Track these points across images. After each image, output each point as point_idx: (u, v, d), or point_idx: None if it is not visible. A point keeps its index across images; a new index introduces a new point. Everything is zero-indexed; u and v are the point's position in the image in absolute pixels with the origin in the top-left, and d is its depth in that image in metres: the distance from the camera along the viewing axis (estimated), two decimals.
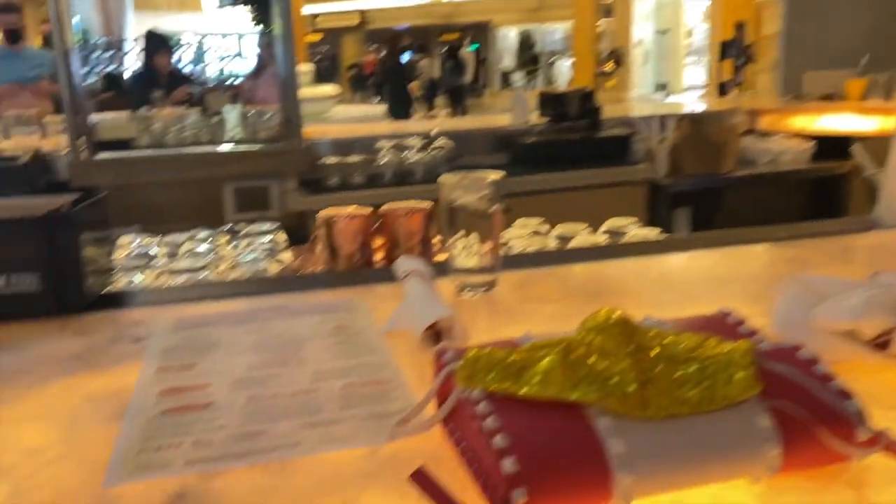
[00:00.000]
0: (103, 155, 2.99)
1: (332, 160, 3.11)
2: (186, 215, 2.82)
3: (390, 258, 1.30)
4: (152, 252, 1.39)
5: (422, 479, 0.51)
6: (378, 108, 5.94)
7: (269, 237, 1.49)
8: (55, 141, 3.23)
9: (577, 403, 0.54)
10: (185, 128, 3.66)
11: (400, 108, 5.05)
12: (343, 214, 1.25)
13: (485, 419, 0.54)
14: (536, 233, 1.61)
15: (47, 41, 5.42)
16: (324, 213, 1.26)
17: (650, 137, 3.74)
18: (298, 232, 1.88)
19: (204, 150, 3.43)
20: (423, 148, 3.25)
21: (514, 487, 0.49)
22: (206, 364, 0.86)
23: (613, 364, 0.55)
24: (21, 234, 1.00)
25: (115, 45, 9.17)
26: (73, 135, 2.79)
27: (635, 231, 1.66)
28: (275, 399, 0.76)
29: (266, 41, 4.42)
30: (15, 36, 4.65)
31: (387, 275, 1.06)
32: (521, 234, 1.56)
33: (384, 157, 3.17)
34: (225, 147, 3.44)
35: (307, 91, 4.43)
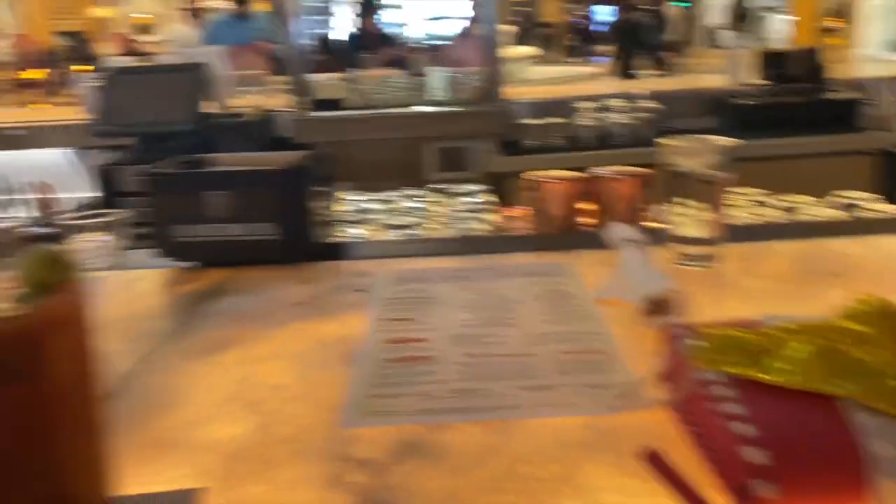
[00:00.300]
0: (319, 114, 3.18)
1: (531, 121, 3.10)
2: (390, 173, 2.95)
3: (599, 223, 1.27)
4: (367, 206, 1.46)
5: (658, 462, 0.49)
6: (575, 68, 5.79)
7: (475, 197, 1.52)
8: (275, 100, 3.48)
9: (831, 396, 0.49)
10: (391, 89, 3.80)
11: (627, 67, 4.89)
12: (552, 177, 1.23)
13: (725, 403, 0.51)
14: (758, 203, 1.51)
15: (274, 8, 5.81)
16: (531, 175, 1.25)
17: (883, 102, 3.35)
18: (496, 193, 1.90)
19: (408, 111, 3.56)
20: (628, 109, 3.14)
21: (759, 478, 0.46)
22: (424, 318, 0.89)
23: (878, 356, 0.50)
24: (262, 186, 1.08)
25: (327, 9, 9.70)
26: (297, 94, 2.99)
27: (870, 205, 1.50)
28: (490, 358, 0.77)
29: (474, 3, 4.45)
30: (243, 2, 5.04)
31: (595, 240, 1.04)
32: (742, 204, 1.46)
33: (583, 119, 3.10)
34: (427, 108, 3.54)
35: (507, 52, 4.42)
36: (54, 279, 0.47)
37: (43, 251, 0.48)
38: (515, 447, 0.62)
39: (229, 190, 1.08)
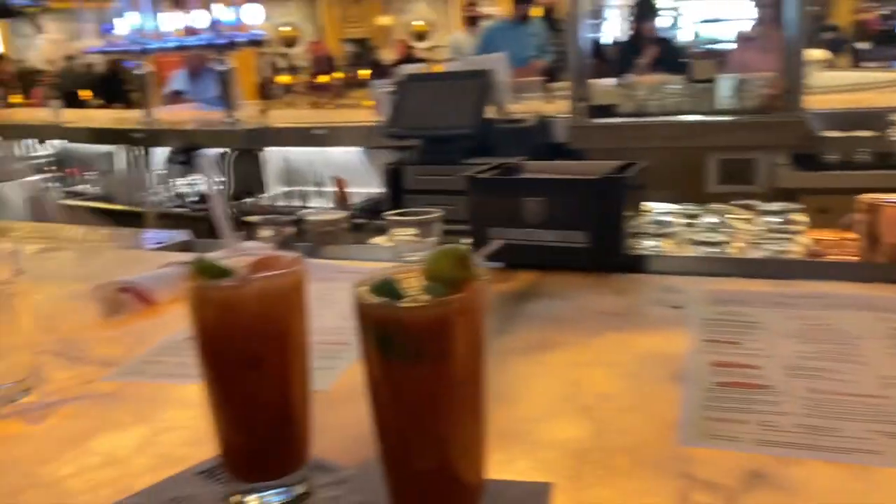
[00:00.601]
0: (596, 120, 3.18)
1: (832, 133, 2.83)
2: (666, 184, 2.87)
3: None
4: (667, 219, 1.43)
5: None
6: (876, 74, 5.19)
7: (784, 216, 1.42)
8: (553, 105, 3.54)
9: None
10: (668, 95, 3.69)
11: None
12: (893, 200, 1.12)
13: None
14: None
15: (547, 14, 5.93)
16: (866, 198, 1.15)
17: None
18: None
19: (687, 119, 3.43)
20: None
21: None
22: (751, 343, 0.85)
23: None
24: (576, 194, 1.11)
25: (600, 14, 9.68)
26: (575, 100, 3.02)
27: None
28: (839, 397, 0.72)
29: (758, 4, 4.17)
30: (524, 6, 5.19)
31: None
32: None
33: None
34: (710, 116, 3.39)
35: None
36: (459, 275, 0.52)
37: (450, 250, 0.53)
38: (881, 497, 0.58)
39: (545, 196, 1.12)
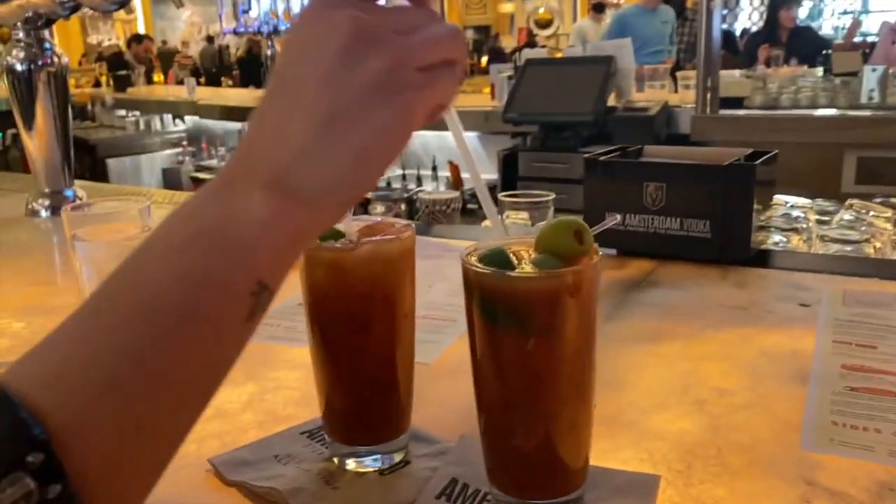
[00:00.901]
0: (724, 112, 3.04)
1: None
2: (796, 181, 2.70)
3: None
4: (797, 214, 1.34)
5: None
6: None
7: None
8: (678, 95, 3.41)
9: None
10: (803, 88, 3.48)
11: None
12: None
13: None
14: None
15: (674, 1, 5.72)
16: None
17: None
18: None
19: (822, 114, 3.22)
20: None
21: None
22: (889, 348, 0.78)
23: None
24: (701, 182, 1.06)
25: (733, 1, 9.25)
26: (702, 91, 2.90)
27: None
28: None
29: None
30: None
31: None
32: None
33: None
34: (848, 111, 3.17)
35: None
36: (572, 248, 0.50)
37: (565, 222, 0.51)
38: None
39: (667, 182, 1.07)
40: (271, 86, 0.39)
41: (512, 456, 0.52)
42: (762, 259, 1.10)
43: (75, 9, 1.45)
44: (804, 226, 1.28)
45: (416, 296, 0.61)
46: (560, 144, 3.29)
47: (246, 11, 4.54)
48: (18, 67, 1.50)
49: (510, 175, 3.46)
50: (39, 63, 1.50)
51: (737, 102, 3.42)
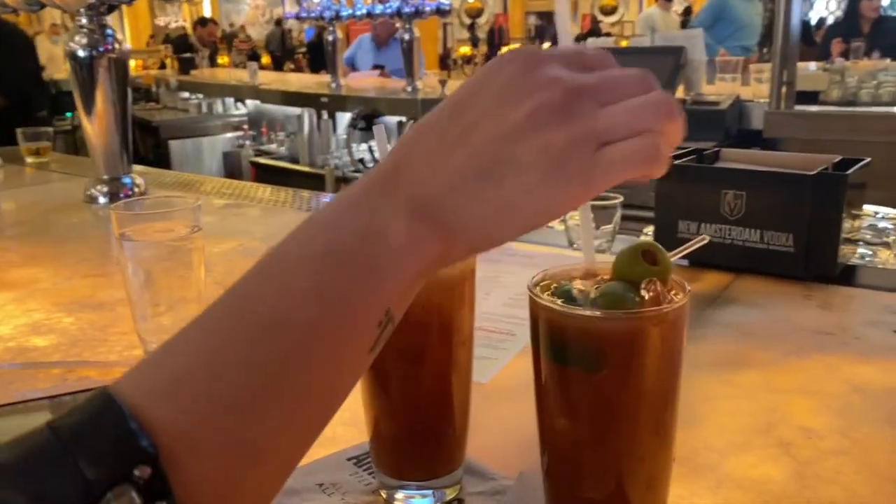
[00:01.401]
0: (799, 107, 2.89)
1: None
2: (879, 184, 2.55)
3: None
4: (885, 226, 1.24)
5: None
6: None
7: None
8: (752, 89, 3.26)
9: None
10: (884, 83, 3.29)
11: None
12: None
13: None
14: None
15: None
16: None
17: None
18: None
19: None
20: None
21: None
22: None
23: None
24: (785, 191, 0.98)
25: None
26: (777, 84, 2.76)
27: None
28: None
29: None
30: None
31: None
32: None
33: None
34: None
35: None
36: (647, 272, 0.44)
37: (640, 245, 0.46)
38: None
39: (747, 190, 0.99)
40: (443, 113, 0.38)
41: None
42: (849, 276, 1.01)
43: None
44: (894, 238, 1.18)
45: (473, 317, 0.56)
46: None
47: None
48: (80, 53, 1.49)
49: None
50: (101, 49, 1.50)
51: (811, 97, 3.25)
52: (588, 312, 0.42)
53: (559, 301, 0.43)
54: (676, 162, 1.06)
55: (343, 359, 0.36)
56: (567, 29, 0.44)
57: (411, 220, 0.36)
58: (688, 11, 11.40)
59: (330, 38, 4.63)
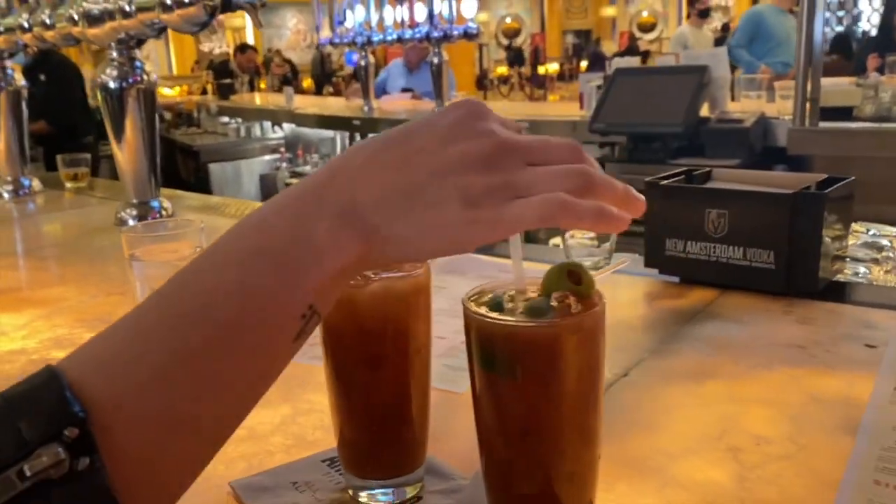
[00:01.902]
0: (824, 124, 2.88)
1: None
2: None
3: None
4: (883, 243, 1.26)
5: None
6: None
7: None
8: (778, 106, 3.26)
9: None
10: None
11: None
12: None
13: None
14: None
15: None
16: None
17: None
18: None
19: None
20: None
21: None
22: None
23: None
24: (765, 210, 1.01)
25: (849, 3, 8.73)
26: (800, 101, 2.76)
27: None
28: None
29: None
30: None
31: None
32: None
33: None
34: None
35: None
36: (571, 290, 0.49)
37: (566, 265, 0.50)
38: None
39: (729, 209, 1.03)
40: (388, 138, 0.43)
41: (512, 501, 0.51)
42: (835, 292, 1.03)
43: (162, 30, 1.53)
44: (890, 255, 1.20)
45: (430, 326, 0.60)
46: (648, 156, 3.21)
47: (341, 23, 4.65)
48: (111, 85, 1.59)
49: None
50: (130, 81, 1.59)
51: (845, 113, 3.23)
52: (510, 320, 0.47)
53: (487, 311, 0.48)
54: (663, 182, 1.10)
55: (266, 348, 0.41)
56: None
57: (337, 222, 0.40)
58: (725, 28, 11.33)
59: (363, 62, 4.75)
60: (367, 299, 0.56)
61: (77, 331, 1.03)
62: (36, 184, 2.25)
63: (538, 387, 0.47)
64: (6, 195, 2.18)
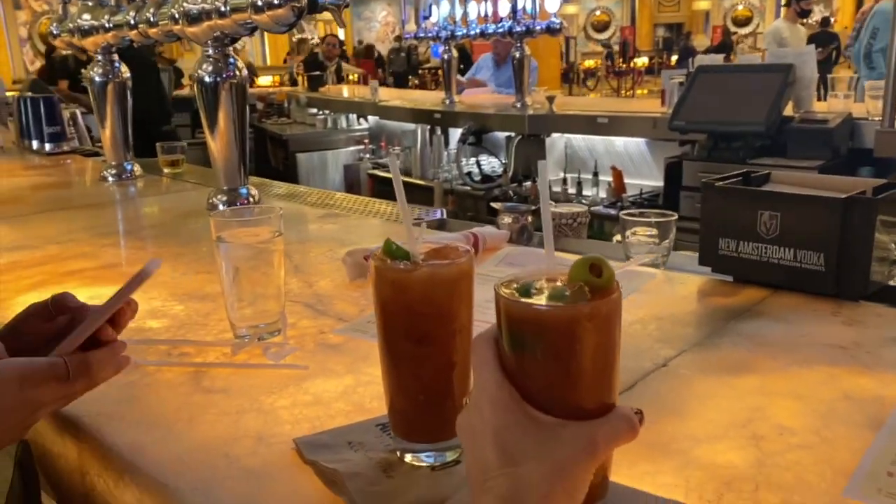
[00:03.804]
0: None
1: None
2: None
3: None
4: None
5: None
6: None
7: None
8: (867, 106, 3.16)
9: None
10: None
11: None
12: None
13: None
14: None
15: None
16: None
17: None
18: None
19: None
20: None
21: None
22: None
23: None
24: (816, 213, 1.03)
25: None
26: (889, 101, 2.68)
27: None
28: None
29: None
30: None
31: None
32: None
33: None
34: None
35: None
36: (592, 282, 0.54)
37: (589, 259, 0.56)
38: None
39: (781, 211, 1.05)
40: None
41: None
42: (887, 296, 1.05)
43: (254, 29, 1.64)
44: None
45: (471, 309, 0.67)
46: (728, 155, 3.17)
47: (427, 17, 4.75)
48: (207, 79, 1.72)
49: (674, 184, 3.38)
50: (224, 76, 1.72)
51: None
52: (532, 302, 0.53)
53: (515, 294, 0.54)
54: (719, 184, 1.13)
55: None
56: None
57: None
58: (825, 22, 10.86)
59: (446, 56, 4.84)
60: (415, 283, 0.63)
61: (169, 303, 1.15)
62: (137, 169, 2.42)
63: (556, 364, 0.53)
64: (111, 179, 2.36)
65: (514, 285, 0.57)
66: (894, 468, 0.64)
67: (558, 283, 0.56)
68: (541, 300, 0.54)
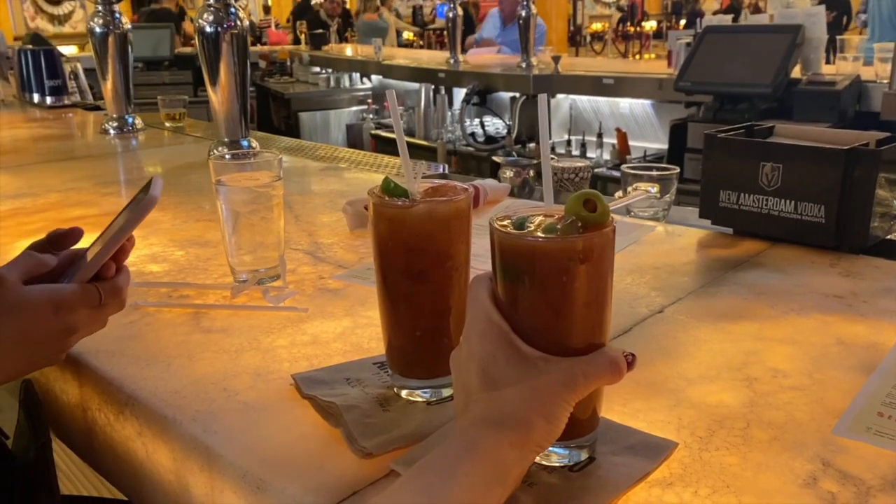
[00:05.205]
0: None
1: None
2: None
3: None
4: None
5: None
6: None
7: None
8: (876, 68, 3.13)
9: None
10: None
11: None
12: None
13: None
14: None
15: None
16: None
17: None
18: None
19: None
20: None
21: None
22: None
23: None
24: (818, 165, 1.02)
25: None
26: None
27: None
28: None
29: None
30: None
31: None
32: None
33: None
34: None
35: None
36: (585, 217, 0.54)
37: (584, 194, 0.56)
38: None
39: (782, 163, 1.05)
40: None
41: None
42: (885, 249, 1.05)
43: None
44: None
45: (469, 247, 0.67)
46: (734, 117, 3.14)
47: None
48: (208, 29, 1.70)
49: (678, 146, 3.36)
50: (225, 26, 1.70)
51: None
52: (523, 234, 0.53)
53: (509, 227, 0.55)
54: (721, 135, 1.13)
55: None
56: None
57: None
58: None
59: (451, 14, 4.78)
60: (412, 219, 0.64)
61: (169, 249, 1.15)
62: (138, 122, 2.41)
63: (546, 298, 0.54)
64: (112, 131, 2.36)
65: (512, 219, 0.57)
66: (884, 408, 0.65)
67: (553, 218, 0.56)
68: (534, 233, 0.54)
